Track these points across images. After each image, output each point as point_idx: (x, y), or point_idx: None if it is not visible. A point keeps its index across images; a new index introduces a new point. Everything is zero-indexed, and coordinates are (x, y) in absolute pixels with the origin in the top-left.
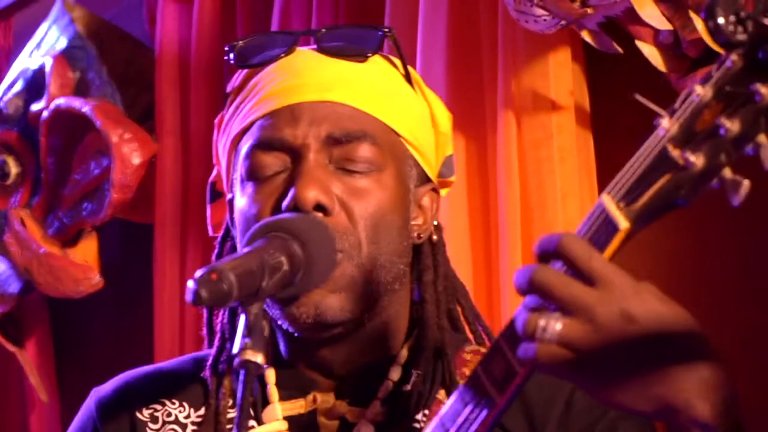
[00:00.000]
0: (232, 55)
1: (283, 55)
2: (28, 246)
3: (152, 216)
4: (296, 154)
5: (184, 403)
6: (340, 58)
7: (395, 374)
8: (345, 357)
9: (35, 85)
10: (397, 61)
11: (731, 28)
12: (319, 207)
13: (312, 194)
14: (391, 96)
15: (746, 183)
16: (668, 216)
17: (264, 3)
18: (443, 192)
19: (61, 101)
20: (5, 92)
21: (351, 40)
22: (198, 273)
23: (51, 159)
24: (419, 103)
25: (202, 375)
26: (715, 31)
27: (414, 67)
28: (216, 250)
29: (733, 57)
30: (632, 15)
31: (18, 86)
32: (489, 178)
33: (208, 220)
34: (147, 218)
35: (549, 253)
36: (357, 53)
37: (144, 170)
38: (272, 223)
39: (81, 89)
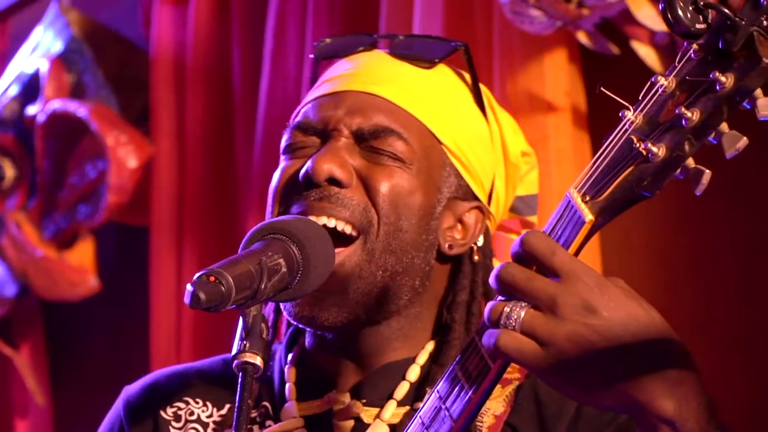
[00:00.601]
0: (318, 49)
1: (361, 49)
2: (24, 249)
3: (148, 219)
4: (326, 136)
5: (208, 403)
6: (406, 62)
7: (413, 375)
8: (365, 354)
9: (31, 88)
10: (469, 79)
11: (690, 17)
12: (333, 180)
13: (326, 166)
14: (445, 105)
15: (707, 172)
16: (663, 215)
17: (259, 5)
18: (523, 231)
19: (56, 104)
20: (1, 96)
21: (422, 48)
22: (196, 276)
23: (47, 162)
24: (482, 122)
25: (231, 378)
26: (673, 21)
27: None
28: None
29: (695, 46)
30: (628, 16)
31: (14, 90)
32: None
33: None
34: (143, 221)
35: (518, 253)
36: (424, 59)
37: (140, 173)
38: (270, 225)
39: (77, 92)
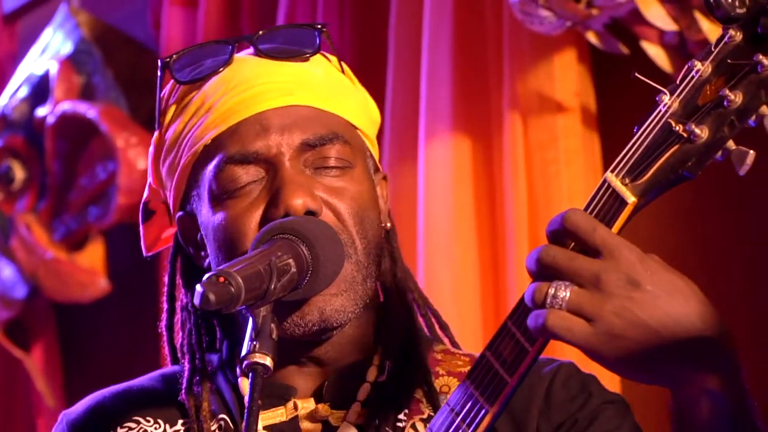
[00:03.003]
0: (166, 72)
1: (222, 67)
2: (34, 251)
3: None
4: (271, 164)
5: (159, 420)
6: (281, 60)
7: (371, 375)
8: (329, 358)
9: (41, 89)
10: (332, 57)
11: (730, 2)
12: (309, 212)
13: (300, 201)
14: (341, 91)
15: (752, 153)
16: (671, 213)
17: (269, 7)
18: None
19: (66, 106)
20: (11, 97)
21: (289, 41)
22: (206, 276)
23: (57, 164)
24: (360, 95)
25: (174, 394)
26: (715, 6)
27: (420, 69)
28: (168, 270)
29: (732, 31)
30: (637, 16)
31: (23, 91)
32: (495, 180)
33: (142, 240)
34: None
35: (556, 231)
36: (298, 54)
37: None
38: (279, 225)
39: (86, 94)
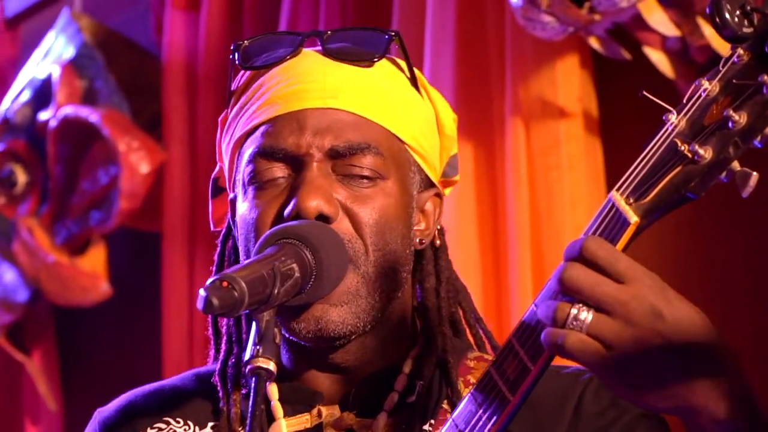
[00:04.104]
0: (237, 55)
1: (288, 57)
2: (36, 255)
3: (160, 224)
4: (299, 163)
5: (189, 422)
6: (345, 62)
7: (400, 385)
8: (351, 365)
9: (43, 94)
10: (403, 65)
11: (737, 21)
12: (321, 216)
13: (314, 203)
14: (397, 102)
15: (755, 175)
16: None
17: (271, 10)
18: (447, 191)
19: (68, 110)
20: (13, 101)
21: (357, 42)
22: (209, 281)
23: (59, 168)
24: (425, 107)
25: (206, 395)
26: (721, 25)
27: (422, 74)
28: (218, 249)
29: (740, 51)
30: (640, 21)
31: (26, 95)
32: (497, 185)
33: (210, 215)
34: (155, 227)
35: (575, 259)
36: (363, 57)
37: (152, 179)
38: (283, 229)
39: (88, 98)
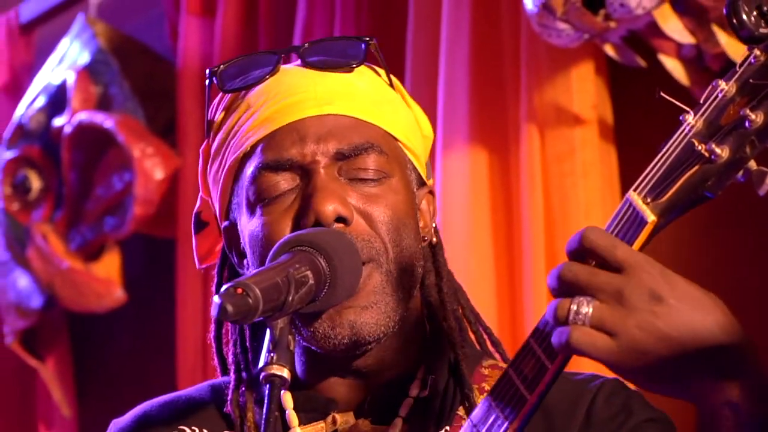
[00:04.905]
0: (214, 80)
1: (268, 75)
2: (50, 261)
3: (175, 230)
4: (306, 172)
5: (204, 430)
6: (327, 71)
7: (415, 391)
8: (369, 371)
9: (57, 100)
10: (381, 71)
11: (754, 21)
12: (340, 219)
13: (331, 207)
14: (385, 103)
15: None
16: (688, 224)
17: (286, 15)
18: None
19: (83, 116)
20: (28, 107)
21: (335, 53)
22: (223, 287)
23: (73, 174)
24: (406, 109)
25: (221, 405)
26: (738, 25)
27: (437, 81)
28: (215, 280)
29: (756, 51)
30: (655, 29)
31: (40, 101)
32: (512, 192)
33: (195, 252)
34: (170, 233)
35: (575, 250)
36: (343, 65)
37: (166, 185)
38: (296, 237)
39: (103, 104)
